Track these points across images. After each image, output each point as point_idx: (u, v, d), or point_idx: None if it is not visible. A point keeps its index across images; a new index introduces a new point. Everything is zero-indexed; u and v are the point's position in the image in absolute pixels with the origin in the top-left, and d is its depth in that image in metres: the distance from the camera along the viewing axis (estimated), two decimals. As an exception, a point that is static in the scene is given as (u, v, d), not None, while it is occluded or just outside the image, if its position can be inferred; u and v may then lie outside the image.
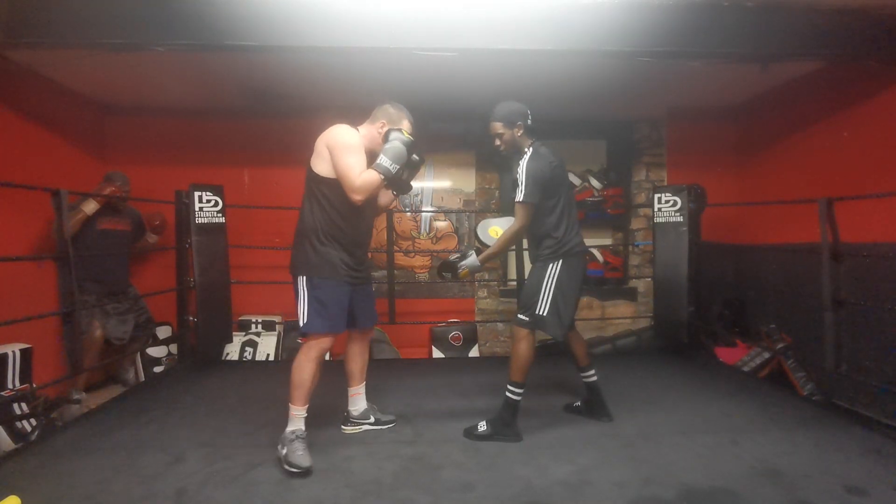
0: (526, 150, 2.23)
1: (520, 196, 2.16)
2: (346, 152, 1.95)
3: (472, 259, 2.21)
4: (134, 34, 2.43)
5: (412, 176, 2.14)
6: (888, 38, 2.61)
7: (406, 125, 2.11)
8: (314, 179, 2.03)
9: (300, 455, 1.91)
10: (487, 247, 2.33)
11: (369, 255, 4.22)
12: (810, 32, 2.60)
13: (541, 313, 2.21)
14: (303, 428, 2.01)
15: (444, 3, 2.48)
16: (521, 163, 2.19)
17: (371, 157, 2.03)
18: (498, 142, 2.28)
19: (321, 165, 2.00)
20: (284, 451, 1.94)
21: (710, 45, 2.59)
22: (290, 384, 2.02)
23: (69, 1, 2.39)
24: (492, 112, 2.27)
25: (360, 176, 1.93)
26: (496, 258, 2.22)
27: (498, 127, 2.25)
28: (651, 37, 2.55)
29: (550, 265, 2.23)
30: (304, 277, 2.04)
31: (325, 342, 2.04)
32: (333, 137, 1.98)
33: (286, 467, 1.91)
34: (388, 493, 1.80)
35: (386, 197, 2.27)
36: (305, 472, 1.88)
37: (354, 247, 2.11)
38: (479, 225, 2.45)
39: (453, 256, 2.24)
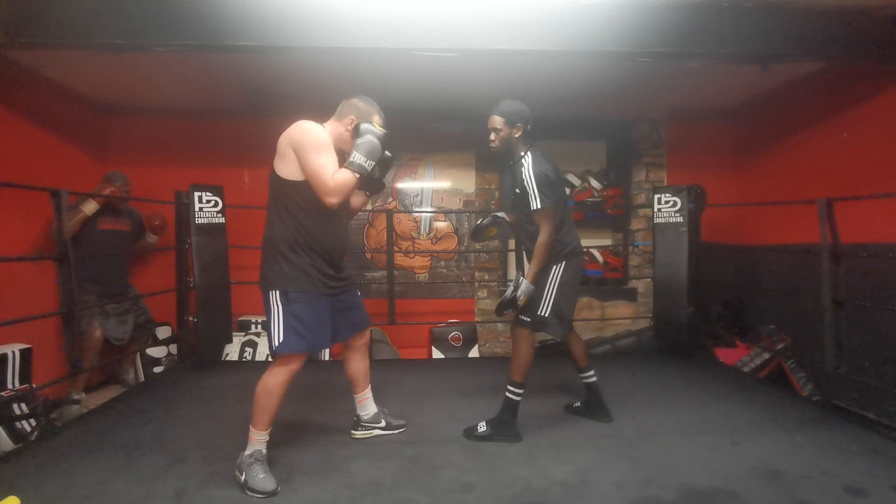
0: (523, 154, 2.20)
1: (536, 204, 2.12)
2: (316, 151, 1.76)
3: (526, 285, 2.16)
4: (134, 34, 2.43)
5: (384, 174, 1.97)
6: (887, 38, 2.61)
7: (377, 119, 1.94)
8: (279, 184, 1.83)
9: (262, 479, 1.79)
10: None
11: (368, 255, 4.29)
12: (810, 33, 2.60)
13: (542, 314, 2.21)
14: (263, 451, 1.87)
15: (443, 3, 2.48)
16: (524, 170, 2.16)
17: (339, 155, 1.88)
18: (493, 137, 2.23)
19: (286, 168, 1.81)
20: (244, 478, 1.81)
21: (710, 45, 2.59)
22: (254, 406, 1.86)
23: (69, 1, 2.39)
24: (495, 106, 2.22)
25: (333, 177, 1.75)
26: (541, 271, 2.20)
27: (497, 122, 2.20)
28: (651, 37, 2.55)
29: (554, 267, 2.22)
30: (278, 292, 1.84)
31: (296, 363, 1.87)
32: (299, 136, 1.79)
33: (249, 493, 1.78)
34: (388, 493, 1.80)
35: (358, 198, 2.11)
36: (272, 495, 1.77)
37: (331, 254, 1.93)
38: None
39: (508, 292, 2.20)
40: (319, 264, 1.89)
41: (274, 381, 1.86)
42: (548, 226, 2.14)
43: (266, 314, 1.89)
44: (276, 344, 1.85)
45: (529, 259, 2.31)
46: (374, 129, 1.84)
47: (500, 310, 2.24)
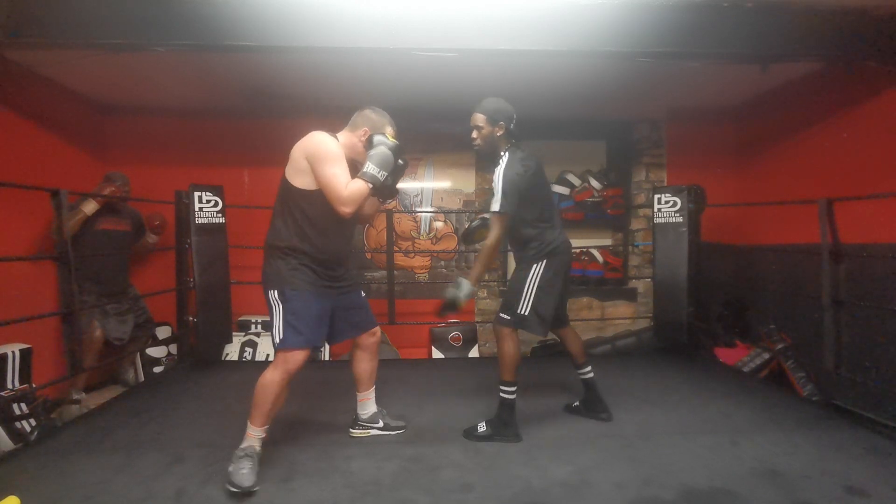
0: (502, 153, 2.20)
1: (496, 206, 2.12)
2: (330, 162, 1.82)
3: (467, 286, 2.16)
4: (134, 34, 2.43)
5: (397, 181, 2.00)
6: (887, 38, 2.61)
7: (389, 130, 2.00)
8: (291, 192, 1.89)
9: (244, 474, 1.77)
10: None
11: (368, 255, 4.29)
12: (810, 33, 2.60)
13: (522, 312, 2.20)
14: (256, 448, 1.88)
15: (443, 3, 2.48)
16: (497, 170, 2.17)
17: (352, 165, 1.94)
18: (475, 135, 2.25)
19: (298, 178, 1.87)
20: (231, 468, 1.81)
21: (710, 45, 2.59)
22: (253, 402, 1.88)
23: (69, 1, 2.39)
24: (477, 104, 2.24)
25: (347, 187, 1.81)
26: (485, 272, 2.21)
27: (479, 119, 2.22)
28: (651, 37, 2.54)
29: (534, 265, 2.22)
30: (276, 291, 1.90)
31: (296, 359, 1.88)
32: (314, 147, 1.85)
33: (227, 486, 1.78)
34: (388, 493, 1.80)
35: (371, 205, 2.11)
36: (246, 493, 1.75)
37: (331, 261, 1.98)
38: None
39: (448, 293, 2.17)
40: (314, 265, 1.94)
41: (272, 378, 1.88)
42: (498, 230, 2.13)
43: (268, 313, 1.94)
44: (277, 341, 1.89)
45: (517, 258, 2.31)
46: (386, 140, 1.90)
47: (442, 312, 2.19)
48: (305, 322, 1.89)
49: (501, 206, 2.12)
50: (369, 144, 1.91)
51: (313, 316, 1.92)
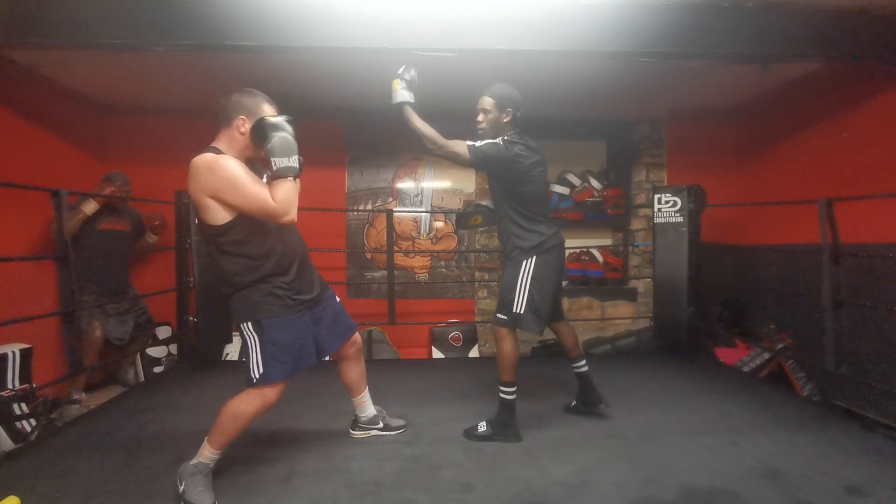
0: (500, 141, 2.19)
1: (475, 143, 2.14)
2: (239, 185, 1.63)
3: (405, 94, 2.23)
4: (134, 34, 2.43)
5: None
6: (888, 38, 2.61)
7: (268, 109, 1.78)
8: (214, 231, 1.69)
9: (200, 492, 1.68)
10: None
11: (368, 255, 4.28)
12: (810, 33, 2.60)
13: (518, 311, 2.19)
14: (210, 466, 1.78)
15: (443, 3, 2.48)
16: (487, 140, 2.19)
17: (248, 164, 1.77)
18: (481, 118, 2.24)
19: (213, 215, 1.66)
20: (182, 487, 1.71)
21: (710, 45, 2.59)
22: (216, 424, 1.76)
23: (69, 1, 2.39)
24: (488, 87, 2.23)
25: (275, 198, 1.63)
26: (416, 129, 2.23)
27: (488, 103, 2.22)
28: (651, 37, 2.55)
29: (524, 262, 2.21)
30: (251, 323, 1.75)
31: (275, 393, 1.77)
32: (211, 180, 1.63)
33: None
34: (388, 493, 1.80)
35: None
36: None
37: (292, 265, 1.82)
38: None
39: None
40: (287, 282, 1.79)
41: (246, 409, 1.76)
42: (453, 146, 2.15)
43: (242, 346, 1.82)
44: (258, 376, 1.74)
45: (505, 255, 2.30)
46: (276, 121, 1.66)
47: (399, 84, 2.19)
48: (288, 351, 1.77)
49: (473, 145, 2.14)
50: (261, 135, 1.65)
51: (296, 341, 1.80)
